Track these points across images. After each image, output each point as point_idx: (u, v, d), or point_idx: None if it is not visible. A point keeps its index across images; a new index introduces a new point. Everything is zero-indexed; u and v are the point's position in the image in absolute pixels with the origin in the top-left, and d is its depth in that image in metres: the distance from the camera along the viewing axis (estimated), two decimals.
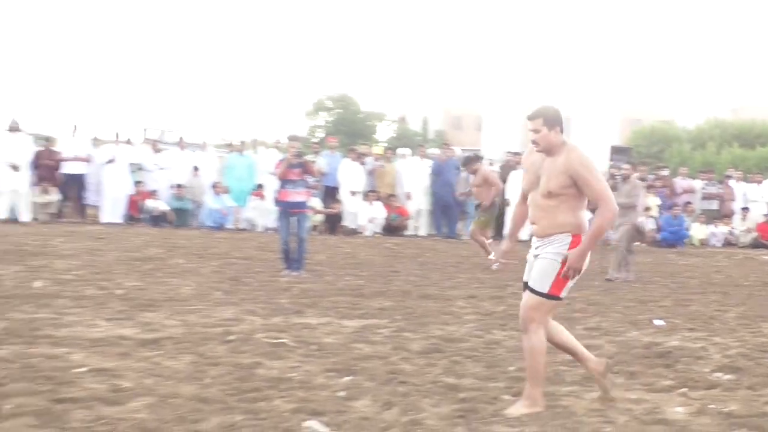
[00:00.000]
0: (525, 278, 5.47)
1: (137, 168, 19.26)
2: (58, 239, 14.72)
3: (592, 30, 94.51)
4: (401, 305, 9.44)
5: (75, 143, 18.90)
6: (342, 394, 5.67)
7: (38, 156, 18.45)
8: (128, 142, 19.75)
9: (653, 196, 20.63)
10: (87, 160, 18.73)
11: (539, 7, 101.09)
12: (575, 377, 6.36)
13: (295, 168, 11.67)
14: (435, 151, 23.88)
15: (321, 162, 19.21)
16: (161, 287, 9.89)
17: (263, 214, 18.84)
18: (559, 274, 5.19)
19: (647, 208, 20.30)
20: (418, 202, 19.77)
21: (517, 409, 5.32)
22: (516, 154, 20.88)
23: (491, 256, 11.94)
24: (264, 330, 7.67)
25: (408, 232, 19.45)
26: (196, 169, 19.47)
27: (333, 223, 19.14)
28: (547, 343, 5.40)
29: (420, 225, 19.88)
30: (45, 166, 18.56)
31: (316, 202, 17.74)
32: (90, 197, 19.10)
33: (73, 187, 18.99)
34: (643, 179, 21.12)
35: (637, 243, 14.37)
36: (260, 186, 18.70)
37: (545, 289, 5.24)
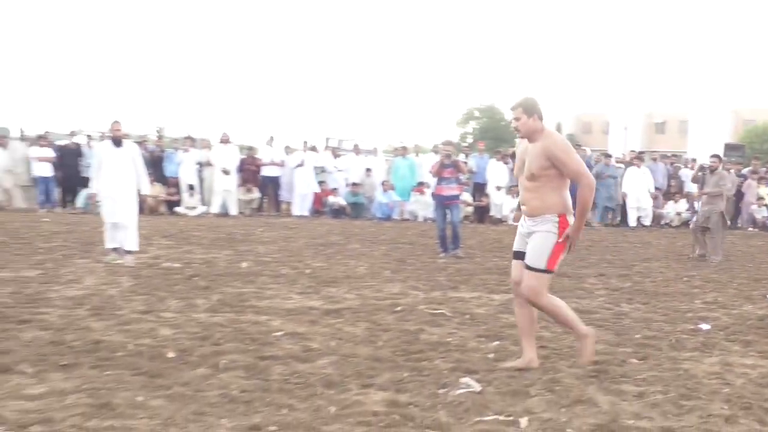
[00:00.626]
0: (515, 248, 5.34)
1: (321, 170, 19.65)
2: (259, 229, 15.20)
3: (709, 36, 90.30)
4: None
5: (272, 151, 19.45)
6: (491, 356, 5.62)
7: (243, 162, 19.10)
8: (314, 149, 20.15)
9: (764, 187, 19.52)
10: (281, 164, 19.25)
11: (657, 14, 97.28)
12: (696, 344, 6.09)
13: (448, 167, 11.76)
14: None
15: (471, 162, 19.15)
16: (341, 267, 10.05)
17: (423, 206, 18.88)
18: (552, 251, 5.04)
19: (760, 198, 19.25)
20: None
21: (587, 356, 5.29)
22: (641, 152, 20.12)
23: None
24: (425, 302, 7.69)
25: None
26: (368, 170, 19.73)
27: (482, 213, 19.03)
28: (556, 300, 5.29)
29: None
30: (249, 170, 19.21)
31: (467, 196, 17.69)
32: (284, 195, 19.62)
33: (271, 186, 19.58)
34: (755, 172, 20.09)
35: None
36: (421, 183, 18.75)
37: (542, 266, 5.07)
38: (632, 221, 18.67)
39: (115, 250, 9.79)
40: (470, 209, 18.76)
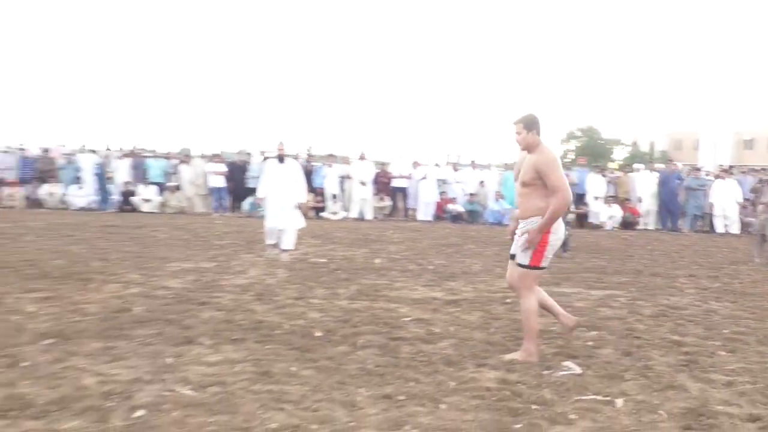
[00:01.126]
0: (511, 251, 5.12)
1: (442, 182, 19.62)
2: (389, 231, 15.35)
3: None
4: (635, 281, 8.92)
5: (401, 165, 19.63)
6: (590, 343, 5.47)
7: (377, 175, 19.37)
8: (436, 164, 20.17)
9: None
10: (409, 177, 19.39)
11: (746, 36, 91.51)
12: None
13: None
14: (661, 165, 22.34)
15: (573, 175, 18.67)
16: (459, 264, 10.02)
17: None
18: (537, 249, 4.87)
19: None
20: (647, 204, 18.60)
21: (513, 356, 4.95)
22: (730, 167, 19.03)
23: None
24: None
25: (639, 227, 18.35)
26: (482, 182, 19.54)
27: (581, 220, 18.51)
28: (537, 305, 5.05)
29: (649, 221, 18.63)
30: (381, 182, 19.44)
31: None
32: (410, 203, 19.74)
33: (400, 195, 19.75)
34: None
35: None
36: None
37: (527, 262, 4.92)
38: (719, 228, 17.70)
39: (273, 246, 10.10)
40: (572, 216, 18.28)
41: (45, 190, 18.94)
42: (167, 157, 20.41)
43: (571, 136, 63.37)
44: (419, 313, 6.46)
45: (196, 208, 19.20)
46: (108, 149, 20.49)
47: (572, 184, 17.25)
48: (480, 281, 8.45)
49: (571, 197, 4.89)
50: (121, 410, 3.71)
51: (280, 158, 10.02)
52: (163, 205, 18.80)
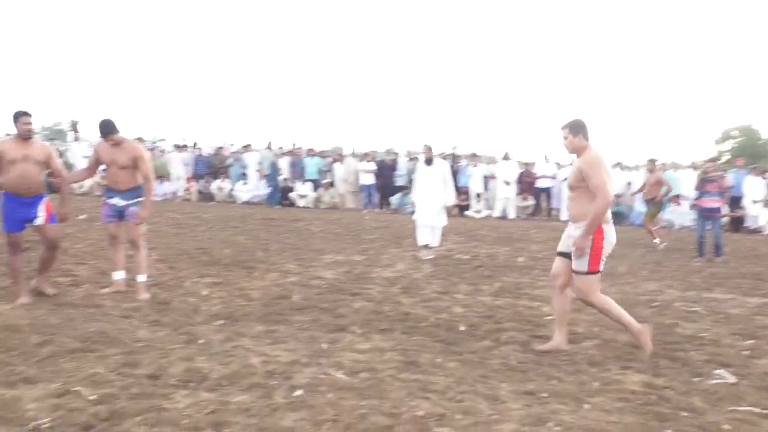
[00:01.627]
0: (559, 249, 5.10)
1: None
2: (533, 230, 15.07)
3: None
4: None
5: (546, 166, 19.20)
6: (746, 353, 5.10)
7: (521, 175, 19.09)
8: None
9: None
10: (553, 177, 18.94)
11: None
12: None
13: (711, 182, 10.91)
14: None
15: (729, 177, 17.41)
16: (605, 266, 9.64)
17: (678, 216, 17.56)
18: (590, 254, 4.76)
19: None
20: None
21: (646, 348, 4.89)
22: None
23: (656, 241, 12.43)
24: (680, 300, 7.16)
25: None
26: (628, 183, 18.70)
27: (737, 224, 17.19)
28: (609, 298, 4.96)
29: None
30: (525, 182, 19.13)
31: (724, 208, 16.10)
32: (554, 203, 19.26)
33: (543, 195, 19.32)
34: None
35: None
36: (677, 195, 17.40)
37: (585, 269, 4.80)
38: None
39: (425, 246, 10.18)
40: (726, 219, 17.04)
41: (215, 185, 20.31)
42: (322, 155, 21.21)
43: (726, 136, 58.94)
44: None
45: (347, 204, 19.82)
46: (269, 148, 21.58)
47: (728, 187, 16.33)
48: (625, 283, 8.11)
49: (611, 199, 4.74)
50: (282, 389, 3.94)
51: (428, 161, 10.10)
52: (317, 200, 19.59)
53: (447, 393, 4.00)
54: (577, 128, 4.92)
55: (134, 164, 6.35)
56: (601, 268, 4.87)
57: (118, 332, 4.97)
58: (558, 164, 19.29)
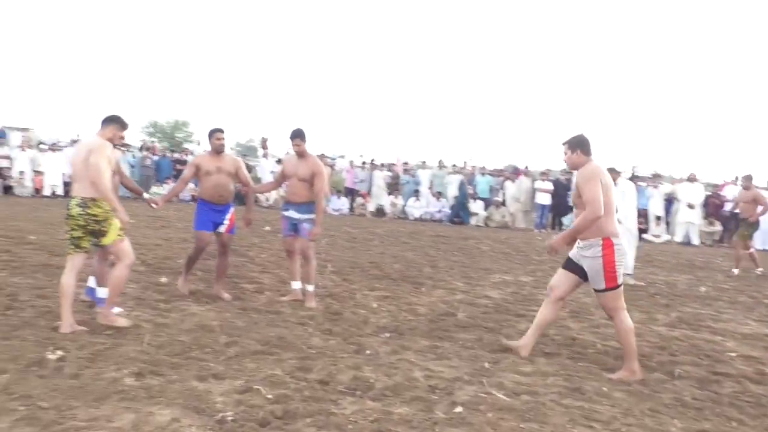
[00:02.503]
0: (564, 264, 5.14)
1: None
2: (719, 258, 13.98)
3: None
4: None
5: (737, 189, 17.75)
6: None
7: (708, 197, 17.84)
8: None
9: None
10: None
11: None
12: None
13: None
14: None
15: None
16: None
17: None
18: (605, 271, 4.77)
19: None
20: None
21: (617, 375, 4.78)
22: None
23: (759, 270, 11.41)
24: None
25: None
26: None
27: None
28: (631, 324, 4.89)
29: None
30: (713, 204, 17.85)
31: None
32: None
33: (734, 221, 17.83)
34: None
35: None
36: None
37: (603, 286, 4.82)
38: None
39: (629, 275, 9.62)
40: None
41: (388, 201, 20.97)
42: (495, 174, 21.17)
43: None
44: (748, 350, 5.84)
45: (517, 223, 19.59)
46: (442, 165, 21.93)
47: None
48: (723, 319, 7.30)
49: (600, 214, 4.64)
50: (443, 404, 4.03)
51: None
52: (487, 219, 19.56)
53: (612, 423, 3.87)
54: (575, 144, 4.95)
55: (312, 179, 6.79)
56: (620, 282, 4.82)
57: (294, 338, 5.34)
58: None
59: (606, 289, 4.84)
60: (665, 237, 17.67)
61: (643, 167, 20.58)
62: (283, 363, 4.67)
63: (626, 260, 9.48)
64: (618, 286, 4.83)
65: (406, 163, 23.14)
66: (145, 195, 6.50)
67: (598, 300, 5.03)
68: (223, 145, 6.76)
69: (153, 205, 6.55)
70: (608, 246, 4.78)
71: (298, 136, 6.73)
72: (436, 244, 13.42)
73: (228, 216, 6.79)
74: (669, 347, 5.75)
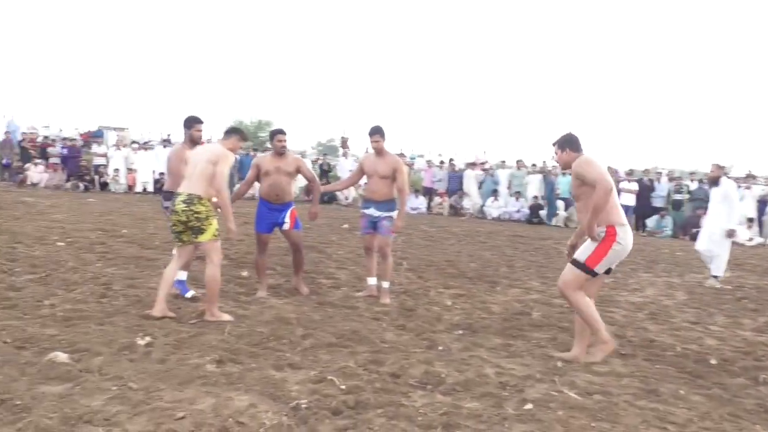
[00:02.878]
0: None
1: None
2: None
3: None
4: None
5: None
6: None
7: None
8: None
9: None
10: None
11: None
12: None
13: None
14: None
15: None
16: None
17: None
18: (595, 250, 4.74)
19: None
20: None
21: (597, 355, 4.89)
22: None
23: None
24: None
25: None
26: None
27: None
28: (588, 298, 4.84)
29: None
30: None
31: None
32: None
33: None
34: None
35: None
36: None
37: (582, 259, 4.78)
38: None
39: (712, 276, 9.38)
40: None
41: (467, 201, 20.89)
42: None
43: None
44: None
45: None
46: (521, 165, 21.66)
47: None
48: None
49: (611, 186, 4.63)
50: (514, 401, 4.04)
51: (713, 181, 9.42)
52: (567, 219, 19.18)
53: (688, 426, 3.79)
54: (563, 143, 5.00)
55: (393, 176, 6.88)
56: (599, 270, 4.79)
57: (368, 332, 5.45)
58: None
59: (582, 264, 4.79)
60: (758, 240, 16.86)
61: (738, 167, 19.74)
62: (357, 356, 4.78)
63: (718, 262, 9.17)
64: (593, 271, 4.79)
65: (484, 163, 22.99)
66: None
67: (563, 274, 4.92)
68: (284, 147, 6.86)
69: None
70: (611, 233, 4.75)
71: (377, 132, 6.84)
72: (514, 243, 13.30)
73: (287, 214, 6.93)
74: (754, 352, 5.54)
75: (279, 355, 4.68)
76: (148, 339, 4.81)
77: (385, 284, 6.92)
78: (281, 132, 6.88)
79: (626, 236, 4.79)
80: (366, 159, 7.22)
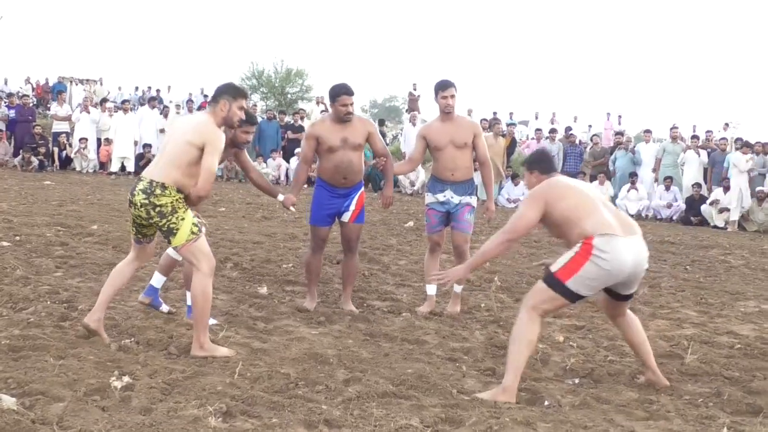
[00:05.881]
0: None
1: None
2: None
3: None
4: None
5: None
6: None
7: None
8: None
9: None
10: None
11: None
12: None
13: None
14: None
15: None
16: None
17: None
18: (569, 261, 5.17)
19: None
20: None
21: (487, 395, 5.21)
22: None
23: None
24: None
25: None
26: None
27: None
28: (535, 337, 5.31)
29: None
30: None
31: None
32: None
33: None
34: None
35: None
36: None
37: (555, 269, 5.22)
38: None
39: None
40: None
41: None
42: (760, 150, 20.34)
43: None
44: None
45: None
46: (676, 137, 21.36)
47: None
48: None
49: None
50: None
51: None
52: (742, 218, 18.70)
53: None
54: (530, 165, 5.69)
55: (474, 143, 6.95)
56: (576, 289, 5.16)
57: (440, 377, 5.51)
58: None
59: (552, 276, 5.23)
60: None
61: None
62: (423, 411, 4.84)
63: None
64: (567, 291, 5.20)
65: (619, 134, 22.72)
66: (280, 196, 6.93)
67: (532, 288, 5.45)
68: (350, 114, 6.97)
69: (291, 208, 7.00)
70: (586, 246, 5.13)
71: (451, 85, 6.91)
72: (661, 253, 13.14)
73: (355, 200, 7.09)
74: None
75: (311, 408, 4.76)
76: (126, 380, 4.95)
77: (457, 288, 7.14)
78: (347, 92, 6.95)
79: (615, 250, 5.13)
80: (430, 128, 7.28)
